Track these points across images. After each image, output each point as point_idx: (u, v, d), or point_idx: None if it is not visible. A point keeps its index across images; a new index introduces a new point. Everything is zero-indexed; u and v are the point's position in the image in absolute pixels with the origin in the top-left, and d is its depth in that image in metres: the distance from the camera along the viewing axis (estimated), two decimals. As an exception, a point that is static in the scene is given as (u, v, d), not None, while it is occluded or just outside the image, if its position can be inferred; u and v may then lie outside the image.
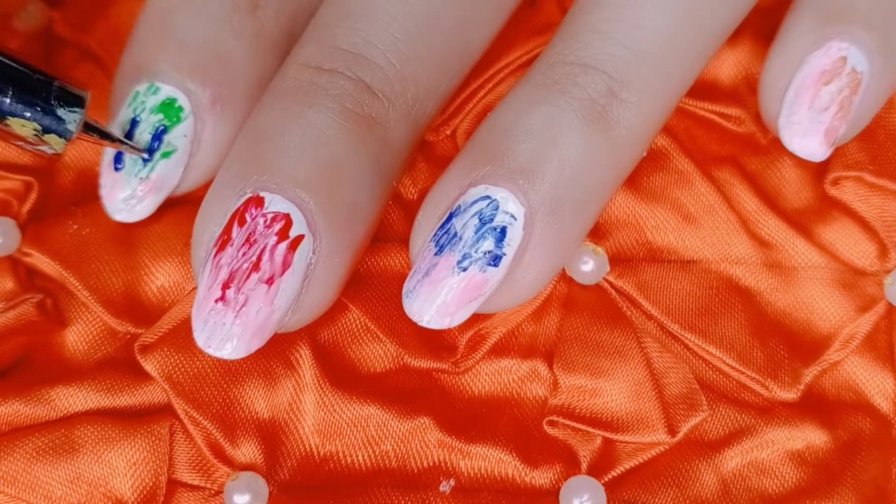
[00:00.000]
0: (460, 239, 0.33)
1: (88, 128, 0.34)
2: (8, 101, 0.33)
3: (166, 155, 0.36)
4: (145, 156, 0.36)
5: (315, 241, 0.33)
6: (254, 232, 0.33)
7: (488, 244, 0.33)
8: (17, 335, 0.37)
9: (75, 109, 0.34)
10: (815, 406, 0.38)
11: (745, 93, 0.40)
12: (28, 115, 0.33)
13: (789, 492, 0.37)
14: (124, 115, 0.36)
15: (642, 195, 0.39)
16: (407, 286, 0.34)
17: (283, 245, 0.33)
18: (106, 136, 0.35)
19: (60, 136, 0.33)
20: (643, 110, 0.35)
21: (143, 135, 0.36)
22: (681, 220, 0.39)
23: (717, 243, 0.39)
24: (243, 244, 0.33)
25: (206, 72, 0.36)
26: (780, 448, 0.37)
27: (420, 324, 0.34)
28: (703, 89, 0.40)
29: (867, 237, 0.39)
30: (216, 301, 0.33)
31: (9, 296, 0.38)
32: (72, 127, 0.34)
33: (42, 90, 0.33)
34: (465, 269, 0.33)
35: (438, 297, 0.33)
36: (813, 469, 0.37)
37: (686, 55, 0.35)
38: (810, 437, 0.37)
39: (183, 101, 0.36)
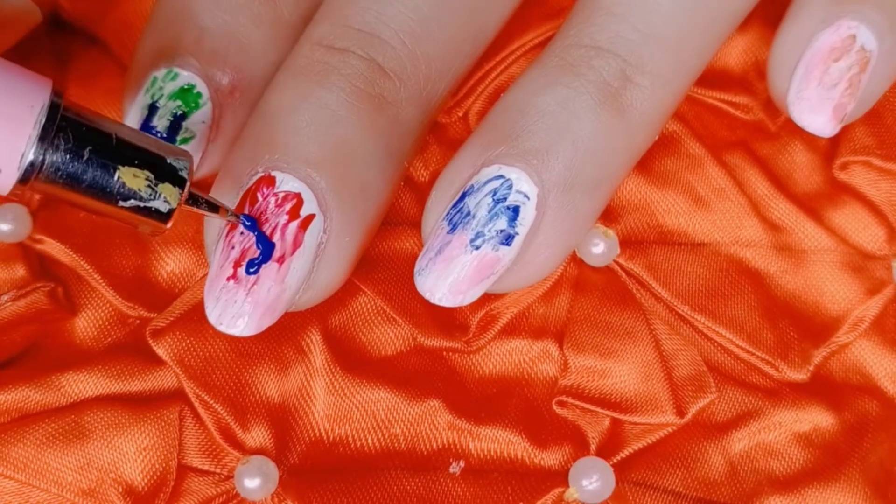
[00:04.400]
0: (473, 217, 0.34)
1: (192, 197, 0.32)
2: (115, 142, 0.31)
3: (185, 141, 0.36)
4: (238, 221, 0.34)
5: (326, 220, 0.33)
6: (265, 211, 0.33)
7: (501, 223, 0.34)
8: (28, 323, 0.37)
9: (181, 158, 0.32)
10: (822, 389, 0.38)
11: (755, 79, 0.41)
12: (138, 162, 0.31)
13: (796, 473, 0.37)
14: (142, 100, 0.36)
15: (653, 179, 0.39)
16: (419, 264, 0.34)
17: (294, 224, 0.33)
18: (209, 204, 0.33)
19: (175, 184, 0.31)
20: (656, 94, 0.35)
21: (162, 120, 0.36)
22: (691, 204, 0.39)
23: (727, 226, 0.39)
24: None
25: (226, 58, 0.36)
26: (787, 430, 0.37)
27: (432, 301, 0.34)
28: (712, 76, 0.40)
29: (876, 221, 0.39)
30: (228, 279, 0.33)
31: (20, 283, 0.38)
32: (184, 174, 0.31)
33: (148, 141, 0.32)
34: (477, 248, 0.34)
35: (451, 275, 0.34)
36: (820, 451, 0.37)
37: (700, 40, 0.36)
38: (817, 419, 0.38)
39: (202, 87, 0.36)
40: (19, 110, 0.29)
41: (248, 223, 0.33)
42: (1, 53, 0.38)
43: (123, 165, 0.30)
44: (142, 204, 0.31)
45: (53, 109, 0.29)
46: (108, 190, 0.30)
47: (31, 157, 0.29)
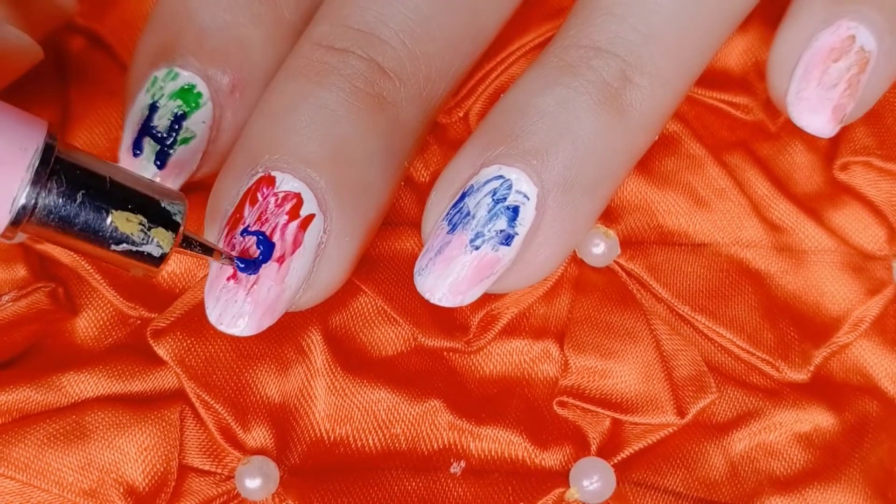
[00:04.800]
0: (473, 217, 0.34)
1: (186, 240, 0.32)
2: (108, 186, 0.30)
3: (185, 141, 0.36)
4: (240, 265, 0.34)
5: (326, 220, 0.33)
6: (265, 211, 0.33)
7: (501, 223, 0.34)
8: (29, 323, 0.37)
9: (176, 202, 0.31)
10: (822, 389, 0.38)
11: (755, 79, 0.41)
12: (131, 206, 0.30)
13: (797, 474, 0.37)
14: (143, 100, 0.36)
15: (654, 179, 0.39)
16: (419, 264, 0.34)
17: (294, 224, 0.33)
18: (203, 247, 0.33)
19: (168, 228, 0.31)
20: (656, 94, 0.35)
21: (163, 120, 0.36)
22: (692, 204, 0.39)
23: (727, 227, 0.39)
24: (255, 223, 0.33)
25: (226, 58, 0.36)
26: (787, 430, 0.37)
27: (432, 301, 0.34)
28: (712, 76, 0.40)
29: (876, 221, 0.39)
30: (228, 279, 0.33)
31: (21, 283, 0.38)
32: (178, 218, 0.31)
33: (142, 184, 0.31)
34: (477, 248, 0.34)
35: (451, 275, 0.34)
36: (820, 451, 0.37)
37: (699, 40, 0.36)
38: (818, 419, 0.38)
39: (202, 87, 0.36)
40: (12, 153, 0.29)
41: (241, 265, 0.33)
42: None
43: (116, 209, 0.30)
44: (134, 248, 0.31)
45: (48, 151, 0.29)
46: (101, 233, 0.30)
47: (22, 200, 0.29)
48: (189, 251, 0.32)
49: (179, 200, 0.31)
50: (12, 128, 0.29)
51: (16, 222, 0.29)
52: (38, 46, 0.35)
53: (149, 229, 0.31)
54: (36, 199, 0.29)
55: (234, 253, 0.33)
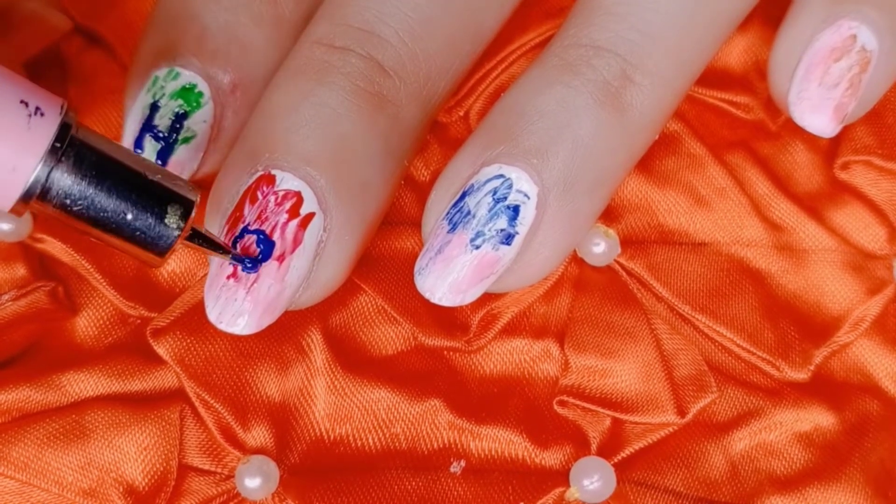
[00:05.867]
0: (473, 217, 0.34)
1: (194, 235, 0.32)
2: (122, 169, 0.30)
3: (186, 140, 0.36)
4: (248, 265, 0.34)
5: (326, 218, 0.33)
6: (265, 209, 0.33)
7: (501, 222, 0.34)
8: (29, 323, 0.37)
9: (188, 193, 0.31)
10: (822, 388, 0.38)
11: (755, 79, 0.41)
12: (143, 191, 0.30)
13: (797, 473, 0.37)
14: (144, 99, 0.36)
15: (654, 178, 0.39)
16: (419, 263, 0.34)
17: (294, 223, 0.33)
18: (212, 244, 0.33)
19: (179, 217, 0.31)
20: (656, 93, 0.35)
21: (164, 119, 0.36)
22: (692, 203, 0.39)
23: (728, 226, 0.39)
24: (255, 221, 0.33)
25: (227, 57, 0.36)
26: (788, 430, 0.37)
27: (432, 300, 0.34)
28: (712, 76, 0.40)
29: (877, 220, 0.39)
30: (228, 277, 0.33)
31: (21, 282, 0.38)
32: (189, 208, 0.31)
33: (157, 171, 0.31)
34: (477, 247, 0.34)
35: (451, 274, 0.34)
36: (820, 451, 0.37)
37: (700, 40, 0.36)
38: (818, 419, 0.38)
39: (203, 86, 0.36)
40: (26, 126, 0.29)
41: (249, 265, 0.33)
42: (22, 61, 0.38)
43: (128, 193, 0.30)
44: (142, 235, 0.31)
45: (64, 129, 0.29)
46: (110, 217, 0.30)
47: (32, 177, 0.29)
48: (196, 244, 0.32)
49: (192, 192, 0.31)
50: (31, 103, 0.29)
51: (27, 197, 0.29)
52: (65, 18, 0.35)
53: (159, 217, 0.30)
54: (49, 176, 0.29)
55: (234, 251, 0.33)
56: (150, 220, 0.30)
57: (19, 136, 0.29)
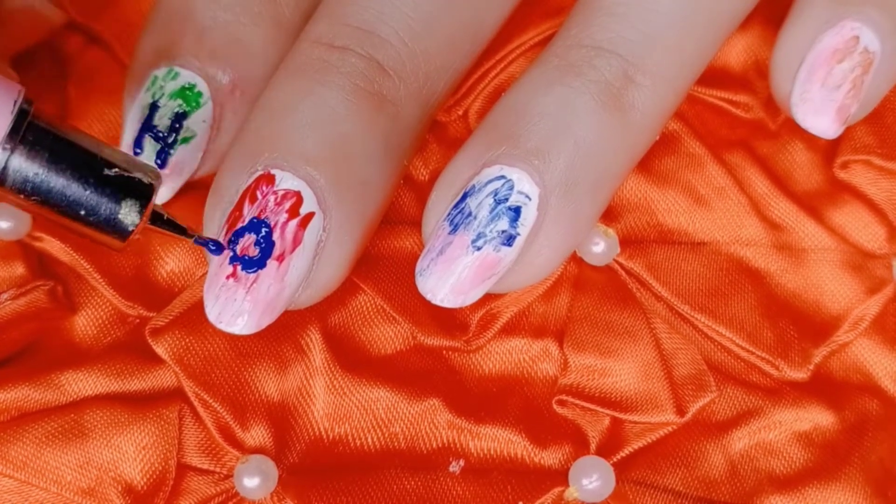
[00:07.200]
0: (475, 218, 0.34)
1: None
2: (82, 154, 0.30)
3: (185, 140, 0.36)
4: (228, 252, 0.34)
5: (325, 218, 0.33)
6: (265, 209, 0.33)
7: (503, 224, 0.34)
8: (28, 322, 0.37)
9: (149, 175, 0.31)
10: (822, 387, 0.38)
11: (755, 78, 0.41)
12: (103, 175, 0.30)
13: (796, 472, 0.37)
14: (143, 99, 0.36)
15: (654, 178, 0.39)
16: (420, 264, 0.34)
17: (294, 222, 0.33)
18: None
19: (139, 200, 0.31)
20: (657, 94, 0.35)
21: (163, 119, 0.36)
22: (692, 203, 0.39)
23: (727, 225, 0.39)
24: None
25: (226, 57, 0.36)
26: (787, 429, 0.37)
27: (434, 302, 0.34)
28: (712, 75, 0.40)
29: (876, 220, 0.39)
30: (227, 277, 0.33)
31: (20, 281, 0.38)
32: (149, 192, 0.31)
33: (117, 155, 0.31)
34: (479, 249, 0.34)
35: (452, 276, 0.34)
36: (820, 450, 0.37)
37: (700, 40, 0.36)
38: (817, 418, 0.38)
39: (202, 86, 0.36)
40: None
41: (213, 247, 0.33)
42: (13, 54, 0.37)
43: (89, 177, 0.30)
44: (102, 219, 0.31)
45: (20, 116, 0.29)
46: (70, 201, 0.30)
47: None
48: (158, 227, 0.32)
49: (153, 174, 0.31)
50: None
51: None
52: (59, 11, 0.35)
53: (119, 201, 0.31)
54: (6, 161, 0.29)
55: (231, 252, 0.33)
56: (105, 214, 0.30)
57: None
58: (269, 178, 0.33)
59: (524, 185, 0.34)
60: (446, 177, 0.35)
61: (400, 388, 0.37)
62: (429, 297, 0.34)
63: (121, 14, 0.41)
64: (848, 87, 0.36)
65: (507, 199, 0.34)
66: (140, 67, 0.37)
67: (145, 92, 0.36)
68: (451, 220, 0.34)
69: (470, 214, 0.34)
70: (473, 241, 0.34)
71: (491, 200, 0.34)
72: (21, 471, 0.35)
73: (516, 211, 0.34)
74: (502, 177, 0.34)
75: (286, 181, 0.33)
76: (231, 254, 0.33)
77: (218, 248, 0.33)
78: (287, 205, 0.33)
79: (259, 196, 0.33)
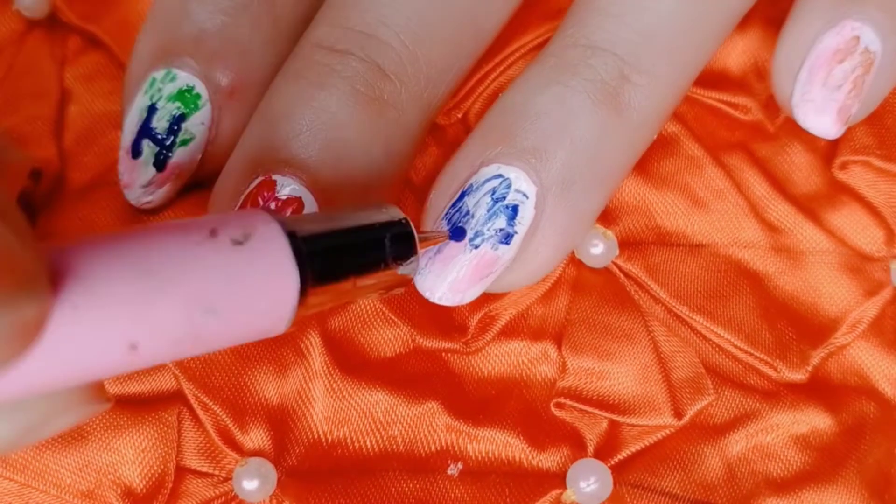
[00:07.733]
0: (472, 217, 0.34)
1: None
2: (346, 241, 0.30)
3: (184, 143, 0.36)
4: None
5: None
6: (266, 214, 0.33)
7: (500, 222, 0.34)
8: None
9: (393, 215, 0.31)
10: (819, 390, 0.38)
11: (754, 80, 0.41)
12: (372, 252, 0.30)
13: (794, 475, 0.37)
14: (141, 101, 0.36)
15: (652, 180, 0.39)
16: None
17: None
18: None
19: (408, 243, 0.31)
20: (654, 93, 0.35)
21: (161, 122, 0.36)
22: (690, 205, 0.39)
23: (726, 227, 0.39)
24: None
25: (225, 59, 0.36)
26: (784, 432, 0.37)
27: (432, 300, 0.34)
28: (711, 77, 0.40)
29: (875, 222, 0.39)
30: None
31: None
32: (409, 230, 0.31)
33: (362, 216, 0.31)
34: (476, 247, 0.34)
35: (450, 274, 0.34)
36: (817, 453, 0.37)
37: (697, 39, 0.36)
38: (815, 421, 0.38)
39: (200, 88, 0.36)
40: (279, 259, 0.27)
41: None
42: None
43: (361, 266, 0.30)
44: (390, 279, 0.31)
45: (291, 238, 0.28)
46: (352, 292, 0.30)
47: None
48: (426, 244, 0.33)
49: (392, 211, 0.31)
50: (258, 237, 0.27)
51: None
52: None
53: (397, 258, 0.31)
54: (303, 285, 0.28)
55: None
56: (386, 265, 0.31)
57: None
58: (269, 185, 0.33)
59: (521, 184, 0.34)
60: (444, 176, 0.35)
61: (398, 390, 0.37)
62: (427, 294, 0.34)
63: (120, 16, 0.41)
64: (849, 88, 0.36)
65: (504, 198, 0.34)
66: (138, 70, 0.37)
67: (143, 94, 0.36)
68: (449, 219, 0.34)
69: (468, 213, 0.34)
70: (471, 240, 0.34)
71: (488, 199, 0.34)
72: (21, 473, 0.35)
73: (514, 209, 0.34)
74: (500, 175, 0.34)
75: (287, 187, 0.33)
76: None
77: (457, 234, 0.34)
78: (288, 211, 0.33)
79: (260, 202, 0.33)
